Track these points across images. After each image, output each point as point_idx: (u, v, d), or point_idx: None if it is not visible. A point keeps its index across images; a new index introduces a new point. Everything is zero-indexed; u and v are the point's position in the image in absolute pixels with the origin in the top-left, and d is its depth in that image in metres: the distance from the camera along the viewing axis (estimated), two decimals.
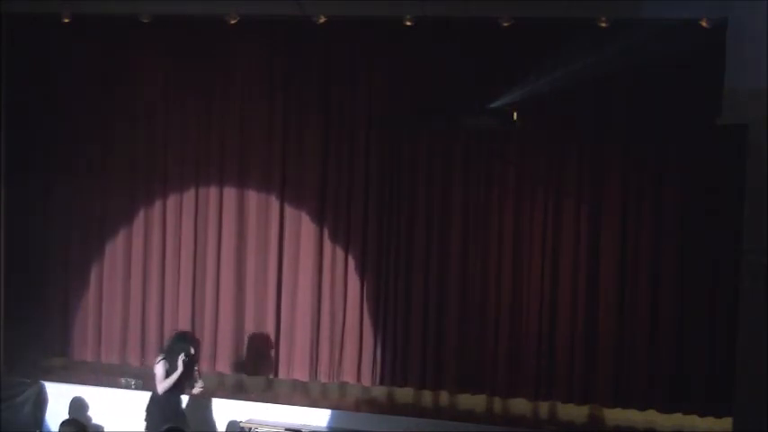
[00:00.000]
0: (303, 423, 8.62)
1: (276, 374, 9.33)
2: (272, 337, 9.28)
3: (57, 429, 7.21)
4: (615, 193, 8.69)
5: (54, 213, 9.59)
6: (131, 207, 9.55)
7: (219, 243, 9.42)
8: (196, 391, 8.29)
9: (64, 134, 9.57)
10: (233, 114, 9.38)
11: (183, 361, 8.08)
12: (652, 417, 8.64)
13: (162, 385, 8.10)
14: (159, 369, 8.14)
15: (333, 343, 9.20)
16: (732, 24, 7.86)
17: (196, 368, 8.31)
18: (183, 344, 8.25)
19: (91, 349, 9.62)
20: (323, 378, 9.24)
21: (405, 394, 9.14)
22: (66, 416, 8.50)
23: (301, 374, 9.24)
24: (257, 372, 9.36)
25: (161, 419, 7.80)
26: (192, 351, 8.23)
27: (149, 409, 8.18)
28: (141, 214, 9.55)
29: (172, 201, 9.50)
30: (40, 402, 9.03)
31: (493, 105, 8.50)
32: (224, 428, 8.47)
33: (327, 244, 9.22)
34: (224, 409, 8.72)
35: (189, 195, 9.47)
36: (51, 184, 9.56)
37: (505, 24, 8.55)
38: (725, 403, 8.20)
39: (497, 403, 8.99)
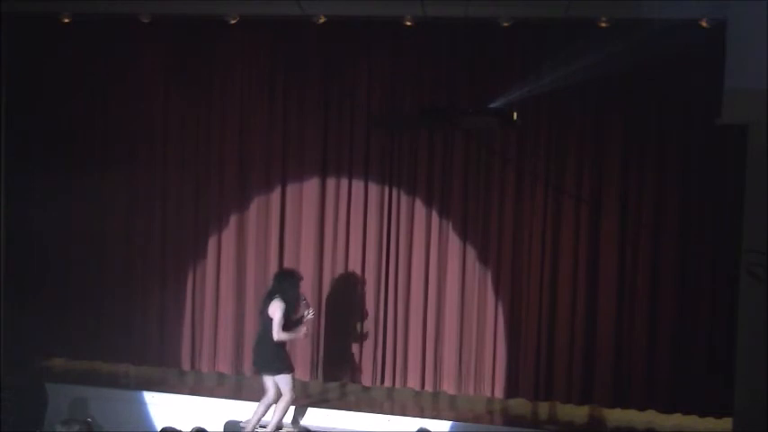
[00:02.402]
0: (303, 423, 8.61)
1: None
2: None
3: (56, 429, 7.22)
4: (615, 192, 8.69)
5: (54, 213, 9.56)
6: (131, 206, 9.54)
7: (219, 243, 9.43)
8: (308, 317, 8.36)
9: (63, 134, 9.55)
10: (233, 114, 9.38)
11: (306, 317, 8.29)
12: (652, 417, 8.65)
13: (281, 335, 8.08)
14: (278, 313, 8.03)
15: (333, 343, 9.21)
16: (732, 24, 7.88)
17: (304, 299, 8.37)
18: (291, 279, 8.28)
19: (91, 349, 9.61)
20: (323, 378, 9.24)
21: (405, 395, 9.15)
22: (66, 416, 8.48)
23: (302, 374, 9.24)
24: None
25: (276, 359, 8.10)
26: (299, 285, 8.32)
27: (261, 351, 8.23)
28: (141, 214, 9.54)
29: (171, 200, 9.50)
30: (41, 402, 9.01)
31: (493, 105, 8.50)
32: (223, 428, 8.45)
33: (327, 244, 9.22)
34: (224, 409, 8.71)
35: (188, 194, 9.47)
36: (51, 184, 9.53)
37: (505, 24, 8.58)
38: (725, 403, 8.22)
39: (497, 403, 8.99)
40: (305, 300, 8.43)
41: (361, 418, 8.58)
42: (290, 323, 8.20)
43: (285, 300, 8.12)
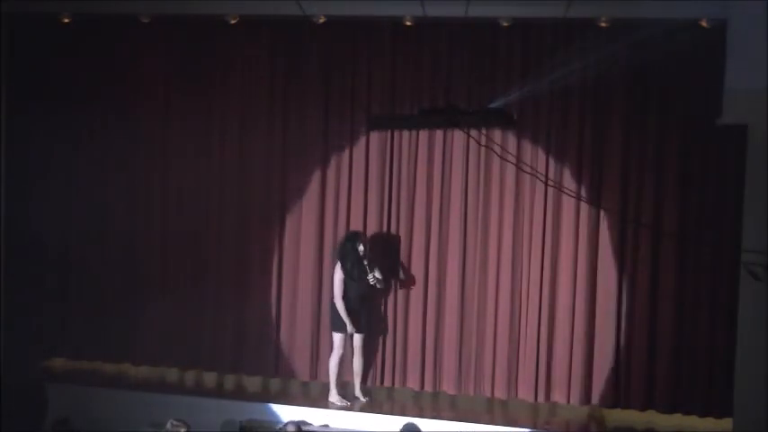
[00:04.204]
0: (303, 423, 8.61)
1: (276, 374, 9.34)
2: (273, 336, 9.29)
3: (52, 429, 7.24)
4: (615, 192, 8.69)
5: (54, 213, 9.56)
6: (131, 207, 9.54)
7: (219, 243, 9.42)
8: (372, 281, 8.74)
9: (63, 134, 9.54)
10: (233, 114, 9.38)
11: (376, 280, 8.73)
12: (652, 417, 8.65)
13: (339, 304, 8.70)
14: (337, 276, 8.73)
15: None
16: (732, 24, 7.89)
17: (366, 262, 8.69)
18: (350, 242, 8.73)
19: (92, 349, 9.61)
20: (323, 378, 9.23)
21: (405, 395, 9.16)
22: (66, 417, 8.49)
23: (302, 374, 9.25)
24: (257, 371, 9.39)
25: (334, 317, 8.79)
26: (362, 247, 8.69)
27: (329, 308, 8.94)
28: (141, 215, 9.54)
29: (172, 201, 9.50)
30: (41, 402, 9.02)
31: (493, 105, 8.50)
32: (222, 428, 8.46)
33: (328, 244, 9.22)
34: (224, 409, 8.71)
35: (189, 195, 9.46)
36: (51, 184, 9.54)
37: (505, 24, 8.58)
38: (725, 403, 8.22)
39: (497, 403, 8.99)
40: (367, 263, 8.65)
41: (362, 418, 8.58)
42: (351, 285, 8.72)
43: (346, 263, 8.66)
